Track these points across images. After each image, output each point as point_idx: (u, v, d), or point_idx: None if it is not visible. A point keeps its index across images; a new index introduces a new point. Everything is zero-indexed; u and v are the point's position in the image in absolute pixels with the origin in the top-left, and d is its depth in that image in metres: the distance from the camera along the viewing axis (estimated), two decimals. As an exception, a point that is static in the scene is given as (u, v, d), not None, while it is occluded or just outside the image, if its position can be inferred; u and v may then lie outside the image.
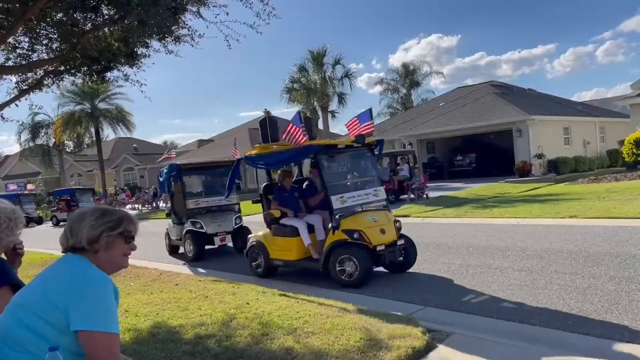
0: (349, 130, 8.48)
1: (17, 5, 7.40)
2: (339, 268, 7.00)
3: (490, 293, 6.08)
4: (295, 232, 7.76)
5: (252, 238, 8.50)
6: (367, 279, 6.94)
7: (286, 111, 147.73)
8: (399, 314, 5.29)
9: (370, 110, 8.44)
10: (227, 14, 8.37)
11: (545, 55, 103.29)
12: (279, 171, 8.66)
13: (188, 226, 10.79)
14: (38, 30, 8.49)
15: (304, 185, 8.49)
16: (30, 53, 8.86)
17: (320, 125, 36.02)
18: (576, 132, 28.37)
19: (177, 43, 8.66)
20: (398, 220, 7.62)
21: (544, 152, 25.24)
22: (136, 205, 34.31)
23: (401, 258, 7.43)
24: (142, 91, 9.57)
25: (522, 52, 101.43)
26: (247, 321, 5.29)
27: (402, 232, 7.56)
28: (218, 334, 4.95)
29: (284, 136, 7.75)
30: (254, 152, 8.35)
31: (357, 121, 8.21)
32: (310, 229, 7.83)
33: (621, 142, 23.92)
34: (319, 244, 7.66)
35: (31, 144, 43.92)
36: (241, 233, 11.02)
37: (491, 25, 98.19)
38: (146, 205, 33.38)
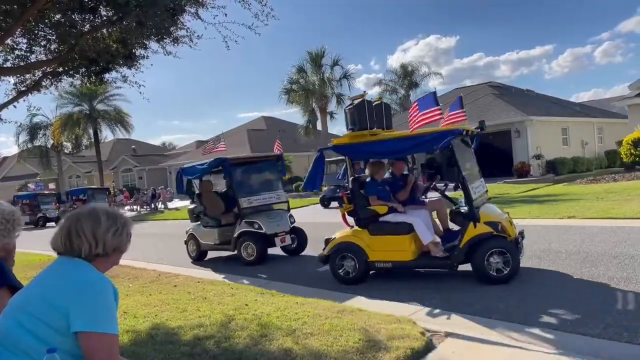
0: (445, 119, 7.96)
1: (16, 6, 7.39)
2: (487, 263, 6.41)
3: (489, 294, 6.08)
4: (407, 229, 6.91)
5: (337, 240, 7.39)
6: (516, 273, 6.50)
7: (285, 112, 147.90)
8: (397, 314, 5.29)
9: (460, 98, 7.78)
10: (226, 15, 8.38)
11: (543, 56, 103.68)
12: (368, 163, 7.70)
13: (243, 227, 9.71)
14: (36, 32, 8.49)
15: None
16: (28, 54, 8.86)
17: (319, 126, 36.03)
18: (574, 133, 28.43)
19: (176, 44, 8.66)
20: (507, 213, 7.27)
21: (542, 152, 25.28)
22: (135, 207, 34.30)
23: None
24: (140, 92, 9.57)
25: (520, 53, 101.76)
26: (246, 322, 5.29)
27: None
28: (217, 335, 4.95)
29: (421, 120, 7.14)
30: (344, 140, 7.40)
31: (448, 111, 7.75)
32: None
33: (619, 143, 23.97)
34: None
35: (29, 145, 43.88)
36: (295, 233, 10.16)
37: (489, 26, 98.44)
38: (145, 207, 33.37)
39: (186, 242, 11.02)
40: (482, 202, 6.96)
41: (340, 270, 7.28)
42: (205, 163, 10.28)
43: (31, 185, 44.05)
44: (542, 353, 4.22)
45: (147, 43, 8.75)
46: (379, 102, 7.60)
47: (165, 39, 8.46)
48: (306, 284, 7.49)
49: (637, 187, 15.35)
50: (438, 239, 7.18)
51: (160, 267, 10.22)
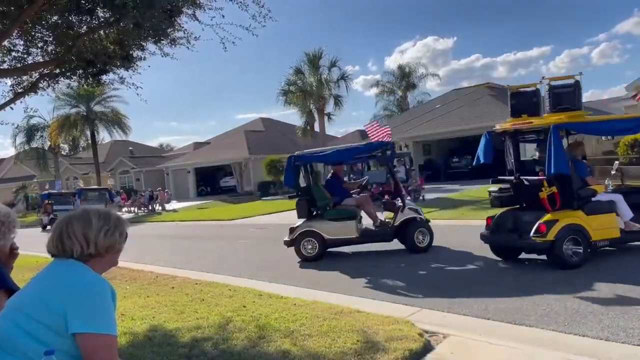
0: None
1: (13, 8, 7.38)
2: None
3: (487, 294, 6.08)
4: (613, 207, 7.21)
5: (562, 222, 6.97)
6: None
7: (283, 113, 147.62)
8: (396, 315, 5.29)
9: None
10: (223, 16, 8.38)
11: (540, 57, 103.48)
12: (571, 142, 8.00)
13: (407, 214, 9.24)
14: (33, 33, 8.47)
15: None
16: (25, 56, 8.84)
17: (317, 128, 36.02)
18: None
19: (173, 46, 8.66)
20: None
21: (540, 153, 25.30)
22: (132, 208, 34.22)
23: None
24: (137, 94, 9.52)
25: (517, 54, 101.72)
26: (244, 324, 5.28)
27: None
28: (215, 337, 4.94)
29: None
30: (563, 119, 7.27)
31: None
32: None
33: (616, 144, 24.01)
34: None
35: (26, 147, 43.73)
36: None
37: (487, 27, 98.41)
38: (142, 208, 33.30)
39: (295, 241, 9.55)
40: None
41: (567, 254, 6.93)
42: (359, 145, 9.93)
43: (47, 185, 43.01)
44: (540, 354, 4.23)
45: (145, 44, 8.74)
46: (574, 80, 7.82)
47: (163, 40, 8.45)
48: (303, 286, 7.48)
49: (634, 188, 15.38)
50: None
51: (158, 268, 10.20)
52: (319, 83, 35.03)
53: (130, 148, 53.21)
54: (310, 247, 9.52)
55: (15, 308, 1.88)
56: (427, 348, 4.42)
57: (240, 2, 8.23)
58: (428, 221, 9.51)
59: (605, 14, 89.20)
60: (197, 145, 49.71)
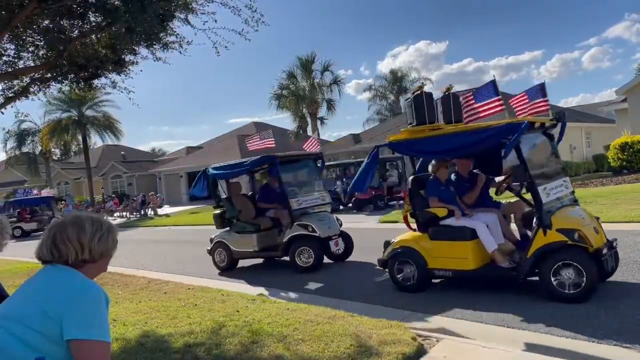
0: (516, 108, 7.18)
1: (4, 12, 7.35)
2: (554, 278, 5.49)
3: (480, 298, 6.10)
4: (470, 235, 6.19)
5: (395, 243, 6.80)
6: (594, 291, 5.49)
7: (275, 117, 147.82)
8: (389, 320, 5.29)
9: (543, 84, 7.18)
10: (216, 21, 8.39)
11: (532, 62, 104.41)
12: (432, 161, 6.98)
13: (295, 231, 8.90)
14: (24, 37, 8.44)
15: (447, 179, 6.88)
16: (16, 60, 8.80)
17: (310, 132, 36.09)
18: (563, 138, 28.64)
19: (165, 50, 8.66)
20: (597, 217, 6.23)
21: (531, 157, 25.44)
22: (124, 213, 34.03)
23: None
24: (129, 98, 9.50)
25: (509, 58, 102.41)
26: (237, 329, 5.26)
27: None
28: (207, 343, 4.92)
29: (482, 112, 6.31)
30: (402, 136, 6.72)
31: (526, 97, 7.02)
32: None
33: (607, 147, 24.21)
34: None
35: (17, 152, 43.49)
36: (342, 237, 9.35)
37: (478, 31, 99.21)
38: (134, 213, 33.14)
39: (212, 252, 9.97)
40: (559, 205, 6.03)
41: (399, 277, 6.71)
42: (246, 161, 9.64)
43: (34, 191, 42.32)
44: (533, 357, 4.24)
45: (137, 49, 8.73)
46: (446, 92, 7.04)
47: (155, 44, 8.44)
48: (297, 290, 7.47)
49: (625, 191, 15.50)
50: (512, 247, 6.53)
51: (150, 274, 10.14)
52: (312, 87, 35.14)
53: (122, 152, 52.97)
54: (221, 258, 9.88)
55: (7, 315, 1.86)
56: (421, 352, 4.43)
57: (233, 7, 8.25)
58: (328, 239, 8.86)
59: (596, 19, 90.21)
60: (190, 150, 49.54)
